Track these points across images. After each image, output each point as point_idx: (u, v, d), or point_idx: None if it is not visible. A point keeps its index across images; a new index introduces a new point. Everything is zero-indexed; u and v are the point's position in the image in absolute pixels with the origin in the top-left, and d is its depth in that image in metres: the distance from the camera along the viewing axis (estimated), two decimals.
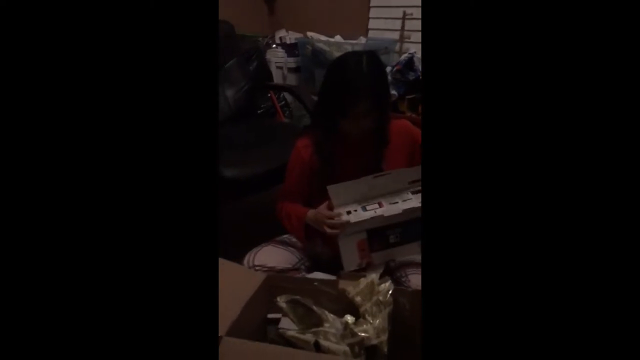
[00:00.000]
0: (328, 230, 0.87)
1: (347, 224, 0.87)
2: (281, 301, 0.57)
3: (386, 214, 0.88)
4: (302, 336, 0.52)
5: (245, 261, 0.92)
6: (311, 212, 0.92)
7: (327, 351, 0.52)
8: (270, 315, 0.69)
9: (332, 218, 0.87)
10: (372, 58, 0.88)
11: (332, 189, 0.87)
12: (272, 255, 0.93)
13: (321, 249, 0.96)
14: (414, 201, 0.89)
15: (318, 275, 0.84)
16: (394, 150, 0.96)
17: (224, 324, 0.56)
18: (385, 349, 0.60)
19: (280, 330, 0.54)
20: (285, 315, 0.60)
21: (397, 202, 0.89)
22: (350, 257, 0.88)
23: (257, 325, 0.67)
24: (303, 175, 0.98)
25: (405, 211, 0.87)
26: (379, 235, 0.89)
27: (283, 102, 2.17)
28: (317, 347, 0.52)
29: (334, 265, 0.94)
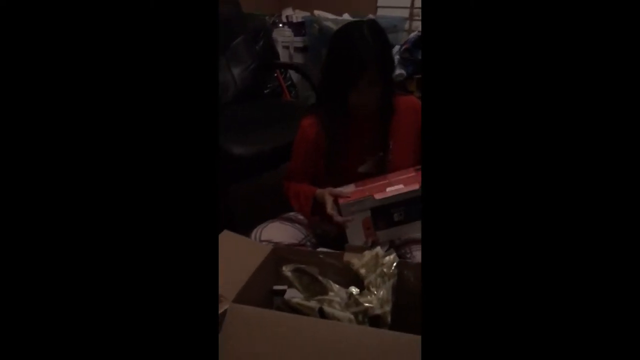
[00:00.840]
0: (331, 212, 0.87)
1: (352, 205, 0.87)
2: (286, 270, 0.58)
3: (388, 190, 0.88)
4: (307, 303, 0.53)
5: (252, 236, 0.93)
6: (319, 191, 0.92)
7: (331, 318, 0.53)
8: (276, 287, 0.70)
9: (341, 195, 0.88)
10: (373, 26, 0.88)
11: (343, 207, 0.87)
12: (278, 231, 0.94)
13: (328, 226, 0.97)
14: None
15: (324, 251, 0.85)
16: (401, 127, 0.96)
17: (230, 293, 0.58)
18: (389, 319, 0.61)
19: (285, 299, 0.55)
20: (290, 285, 0.62)
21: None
22: (355, 235, 0.89)
23: (264, 295, 0.68)
24: (309, 154, 0.99)
25: (409, 191, 0.87)
26: (383, 213, 0.89)
27: (289, 82, 2.15)
28: (322, 314, 0.53)
29: (339, 242, 0.95)
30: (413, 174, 0.89)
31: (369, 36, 0.86)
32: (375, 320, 0.61)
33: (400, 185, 0.87)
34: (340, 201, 0.87)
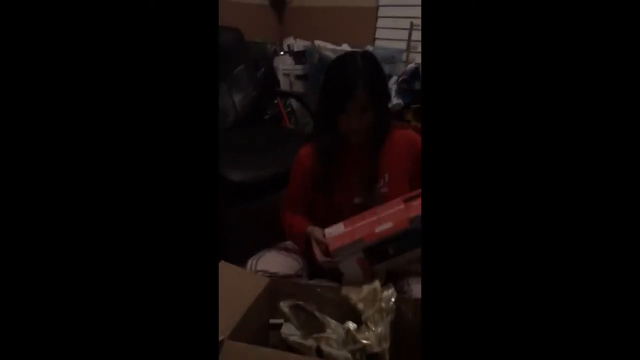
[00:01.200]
0: (321, 259, 0.85)
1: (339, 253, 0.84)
2: (284, 306, 0.57)
3: (378, 230, 0.84)
4: (304, 342, 0.52)
5: (247, 266, 0.92)
6: (310, 229, 0.92)
7: (329, 357, 0.52)
8: (272, 321, 0.69)
9: (324, 242, 0.86)
10: (367, 56, 0.91)
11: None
12: (274, 261, 0.93)
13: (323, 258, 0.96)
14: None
15: (320, 282, 0.84)
16: (397, 159, 0.96)
17: (226, 328, 0.56)
18: (387, 358, 0.60)
19: (283, 336, 0.54)
20: (287, 320, 0.61)
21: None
22: (351, 274, 0.85)
23: (259, 329, 0.67)
24: (304, 182, 0.99)
25: (399, 229, 0.83)
26: (376, 251, 0.85)
27: (289, 109, 2.19)
28: (319, 353, 0.52)
29: (336, 273, 0.94)
30: (402, 206, 0.85)
31: (361, 63, 0.89)
32: (373, 359, 0.60)
33: (389, 223, 0.84)
34: (331, 249, 0.84)
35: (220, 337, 0.53)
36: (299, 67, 2.27)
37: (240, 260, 0.89)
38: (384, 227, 0.83)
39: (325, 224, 0.91)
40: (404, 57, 2.07)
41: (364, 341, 0.60)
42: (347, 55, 0.93)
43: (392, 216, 0.84)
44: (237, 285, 0.68)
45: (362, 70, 0.88)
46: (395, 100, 1.86)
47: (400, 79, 1.87)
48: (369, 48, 2.14)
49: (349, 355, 0.56)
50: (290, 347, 0.53)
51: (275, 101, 2.10)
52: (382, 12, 2.20)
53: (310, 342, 0.52)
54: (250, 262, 0.93)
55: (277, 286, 0.70)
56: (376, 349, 0.60)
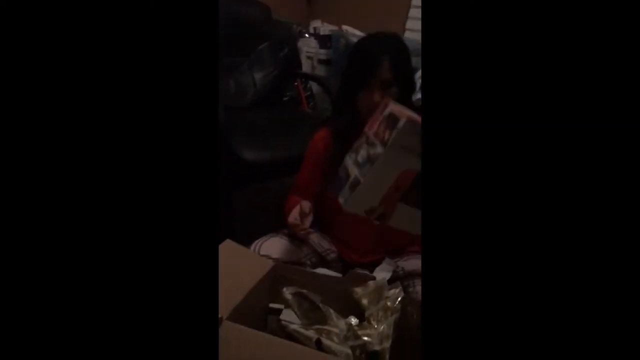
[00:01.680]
0: (292, 222, 0.84)
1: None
2: (287, 292, 0.56)
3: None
4: (304, 332, 0.50)
5: (251, 249, 0.90)
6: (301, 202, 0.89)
7: (328, 351, 0.50)
8: (272, 305, 0.67)
9: (296, 227, 0.84)
10: (393, 36, 0.90)
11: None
12: (278, 247, 0.91)
13: (327, 246, 0.94)
14: None
15: (322, 271, 0.82)
16: None
17: (226, 308, 0.55)
18: (387, 357, 0.58)
19: (283, 323, 0.52)
20: (289, 307, 0.59)
21: None
22: (370, 191, 0.57)
23: (259, 312, 0.65)
24: (316, 166, 0.96)
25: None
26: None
27: (309, 93, 2.14)
28: (319, 345, 0.50)
29: (340, 264, 0.92)
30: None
31: (387, 41, 0.88)
32: (373, 357, 0.58)
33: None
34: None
35: (220, 315, 0.51)
36: (323, 51, 2.22)
37: (246, 240, 0.87)
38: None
39: (331, 216, 0.88)
40: None
41: (365, 338, 0.58)
42: (373, 34, 0.91)
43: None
44: (241, 266, 0.67)
45: (387, 46, 0.86)
46: (419, 95, 1.81)
47: None
48: None
49: (349, 351, 0.54)
50: (289, 335, 0.51)
51: (296, 83, 2.06)
52: (415, 1, 2.13)
53: (310, 333, 0.50)
54: (254, 245, 0.91)
55: (281, 271, 0.69)
56: (377, 347, 0.58)
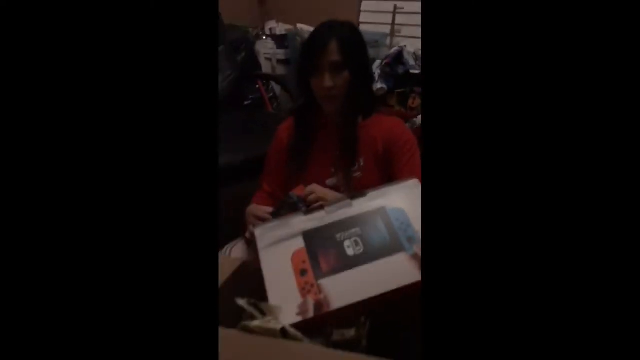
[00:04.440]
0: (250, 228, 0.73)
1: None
2: (241, 302, 0.54)
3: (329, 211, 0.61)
4: (267, 325, 0.49)
5: (221, 255, 0.89)
6: (250, 207, 0.85)
7: (295, 338, 0.49)
8: (239, 301, 0.65)
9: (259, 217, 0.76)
10: (346, 23, 0.90)
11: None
12: (248, 252, 0.90)
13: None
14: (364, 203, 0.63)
15: None
16: (376, 145, 0.92)
17: None
18: (365, 343, 0.57)
19: (244, 324, 0.51)
20: (247, 313, 0.56)
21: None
22: (280, 287, 0.54)
23: (230, 310, 0.64)
24: (280, 157, 0.96)
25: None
26: (326, 241, 0.57)
27: (271, 94, 2.13)
28: (285, 334, 0.49)
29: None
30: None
31: (338, 26, 0.88)
32: (347, 344, 0.57)
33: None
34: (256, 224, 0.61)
35: None
36: (280, 51, 2.21)
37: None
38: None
39: None
40: (387, 41, 2.04)
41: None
42: (327, 22, 0.91)
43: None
44: None
45: (336, 30, 0.86)
46: (378, 85, 1.83)
47: (384, 62, 1.84)
48: None
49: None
50: (252, 332, 0.50)
51: (257, 86, 2.04)
52: None
53: (272, 325, 0.49)
54: (225, 250, 0.90)
55: (249, 268, 0.67)
56: (351, 335, 0.57)
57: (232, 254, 0.88)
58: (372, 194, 0.66)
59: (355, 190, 0.88)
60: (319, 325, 0.52)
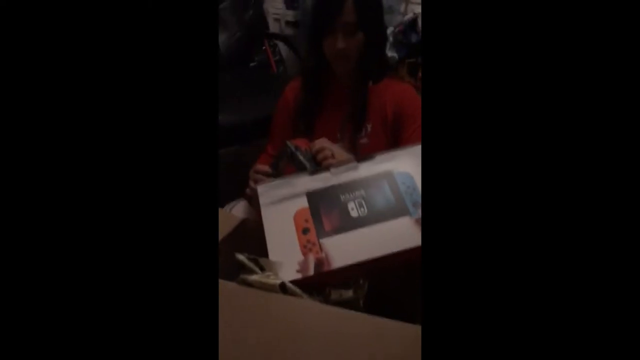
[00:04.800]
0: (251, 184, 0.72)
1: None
2: (240, 257, 0.53)
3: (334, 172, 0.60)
4: (266, 280, 0.49)
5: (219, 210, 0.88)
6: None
7: (293, 293, 0.49)
8: (238, 256, 0.65)
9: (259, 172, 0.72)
10: None
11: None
12: (249, 210, 0.89)
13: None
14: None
15: None
16: (384, 111, 0.89)
17: None
18: (361, 304, 0.57)
19: (242, 277, 0.50)
20: (246, 268, 0.56)
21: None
22: (281, 244, 0.54)
23: (229, 265, 0.63)
24: (286, 118, 0.94)
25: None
26: (329, 202, 0.57)
27: (278, 57, 2.07)
28: (284, 289, 0.49)
29: None
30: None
31: None
32: (345, 304, 0.57)
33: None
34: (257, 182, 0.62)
35: None
36: (290, 12, 2.13)
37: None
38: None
39: None
40: (402, 7, 1.96)
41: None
42: None
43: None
44: None
45: None
46: (389, 53, 1.77)
47: (397, 30, 1.77)
48: None
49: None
50: (251, 286, 0.50)
51: (264, 47, 1.98)
52: None
53: (272, 280, 0.49)
54: (226, 209, 0.90)
55: (250, 225, 0.67)
56: (348, 295, 0.57)
57: (233, 212, 0.88)
58: (380, 157, 0.64)
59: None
60: (318, 283, 0.52)
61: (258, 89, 1.46)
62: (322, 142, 0.75)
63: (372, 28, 0.84)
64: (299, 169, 0.67)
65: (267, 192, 0.63)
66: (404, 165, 0.62)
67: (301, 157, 0.68)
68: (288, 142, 0.71)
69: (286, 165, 0.70)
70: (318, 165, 0.69)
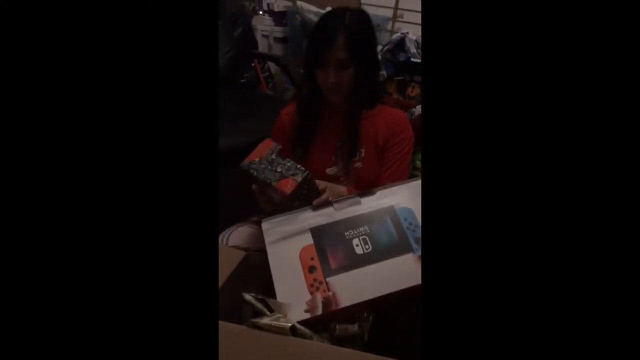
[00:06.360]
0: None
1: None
2: (247, 296, 0.54)
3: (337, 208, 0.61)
4: (277, 323, 0.49)
5: (219, 240, 0.88)
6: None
7: (303, 335, 0.49)
8: (245, 295, 0.65)
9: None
10: (357, 13, 0.86)
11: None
12: (246, 236, 0.89)
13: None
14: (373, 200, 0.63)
15: None
16: (377, 136, 0.91)
17: None
18: (366, 337, 0.58)
19: (253, 321, 0.50)
20: (254, 308, 0.56)
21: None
22: (288, 283, 0.55)
23: (233, 304, 0.63)
24: (285, 139, 0.94)
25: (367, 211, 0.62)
26: (334, 238, 0.58)
27: (267, 74, 2.08)
28: (294, 332, 0.49)
29: None
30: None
31: (348, 18, 0.84)
32: (350, 339, 0.58)
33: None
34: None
35: None
36: (278, 28, 2.15)
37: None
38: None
39: None
40: (389, 25, 2.00)
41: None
42: (337, 9, 0.88)
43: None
44: None
45: (347, 25, 0.83)
46: (382, 71, 1.80)
47: (385, 48, 1.81)
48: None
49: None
50: (262, 329, 0.50)
51: (253, 64, 1.98)
52: None
53: (282, 323, 0.49)
54: (222, 237, 0.89)
55: (253, 260, 0.67)
56: (354, 330, 0.58)
57: (230, 241, 0.87)
58: (380, 192, 0.66)
59: (355, 180, 0.89)
60: (325, 321, 0.53)
61: (249, 109, 1.46)
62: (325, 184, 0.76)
63: (363, 62, 0.86)
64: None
65: (272, 229, 0.63)
66: (405, 200, 0.64)
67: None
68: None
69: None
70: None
